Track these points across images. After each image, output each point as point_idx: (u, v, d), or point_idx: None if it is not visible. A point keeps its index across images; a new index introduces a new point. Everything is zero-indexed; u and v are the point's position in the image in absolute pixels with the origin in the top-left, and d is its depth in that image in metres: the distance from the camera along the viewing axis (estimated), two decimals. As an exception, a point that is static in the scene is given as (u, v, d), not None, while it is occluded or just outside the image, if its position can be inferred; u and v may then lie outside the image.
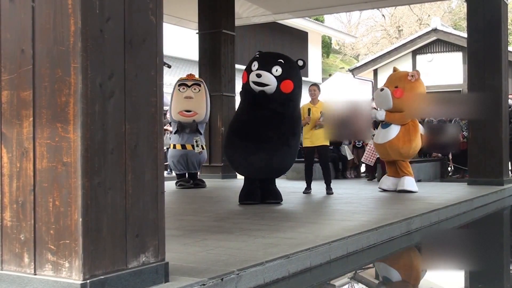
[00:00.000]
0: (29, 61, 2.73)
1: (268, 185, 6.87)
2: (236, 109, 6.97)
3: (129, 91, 2.80)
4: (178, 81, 9.56)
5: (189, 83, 9.38)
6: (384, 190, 8.47)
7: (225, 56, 11.71)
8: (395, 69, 9.05)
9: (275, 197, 6.83)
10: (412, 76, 8.28)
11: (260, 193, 6.80)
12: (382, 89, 8.50)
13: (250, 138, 6.53)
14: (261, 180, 6.81)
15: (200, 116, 9.38)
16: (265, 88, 6.46)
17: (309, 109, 7.97)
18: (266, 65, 6.51)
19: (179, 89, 9.34)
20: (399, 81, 8.38)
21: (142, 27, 2.89)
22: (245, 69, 6.71)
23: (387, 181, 8.55)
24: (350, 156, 12.10)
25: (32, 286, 2.67)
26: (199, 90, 9.43)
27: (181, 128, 9.27)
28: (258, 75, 6.44)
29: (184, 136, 9.33)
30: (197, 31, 12.11)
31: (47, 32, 2.68)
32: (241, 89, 6.83)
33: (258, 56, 6.72)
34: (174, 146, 9.40)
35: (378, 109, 8.71)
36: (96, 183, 2.62)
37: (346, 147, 12.16)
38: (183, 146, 9.31)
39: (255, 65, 6.55)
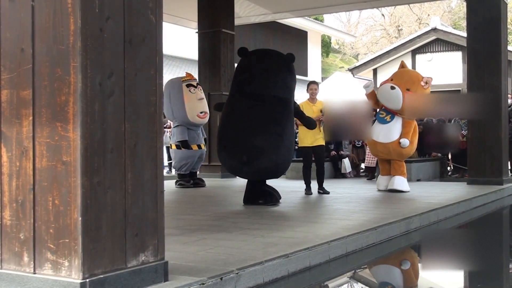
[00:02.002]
0: (29, 60, 2.73)
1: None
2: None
3: (128, 90, 2.80)
4: (182, 81, 9.08)
5: (194, 83, 9.12)
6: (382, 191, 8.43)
7: (224, 56, 11.70)
8: (403, 65, 8.73)
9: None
10: (426, 83, 8.07)
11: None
12: (393, 87, 8.03)
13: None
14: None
15: (208, 116, 9.36)
16: None
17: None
18: None
19: (189, 90, 8.91)
20: (411, 84, 8.08)
21: (142, 26, 2.89)
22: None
23: (383, 181, 8.49)
24: (348, 169, 11.94)
25: (31, 285, 2.67)
26: (202, 90, 9.40)
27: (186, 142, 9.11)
28: None
29: (200, 135, 9.29)
30: (197, 30, 12.11)
31: (47, 31, 2.68)
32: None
33: None
34: (189, 147, 9.13)
35: (367, 88, 8.53)
36: (95, 182, 2.63)
37: (344, 161, 11.93)
38: (199, 146, 9.24)
39: None
